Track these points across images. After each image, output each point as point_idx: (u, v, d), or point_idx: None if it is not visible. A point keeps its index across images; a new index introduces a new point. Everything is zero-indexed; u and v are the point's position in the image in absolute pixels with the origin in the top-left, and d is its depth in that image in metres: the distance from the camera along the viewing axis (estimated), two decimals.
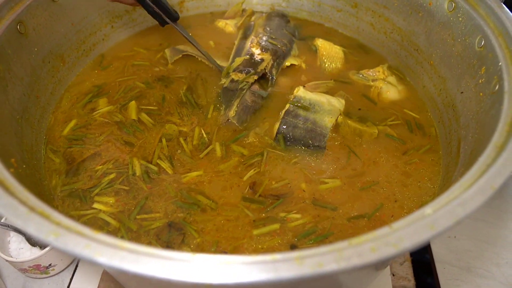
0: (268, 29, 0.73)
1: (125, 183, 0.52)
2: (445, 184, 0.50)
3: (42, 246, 0.65)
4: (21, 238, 0.66)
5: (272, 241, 0.47)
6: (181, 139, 0.58)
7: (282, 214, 0.49)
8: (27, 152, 0.51)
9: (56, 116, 0.61)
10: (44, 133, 0.58)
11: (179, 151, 0.56)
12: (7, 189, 0.33)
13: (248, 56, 0.67)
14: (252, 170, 0.54)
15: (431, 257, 0.71)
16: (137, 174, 0.53)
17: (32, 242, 0.65)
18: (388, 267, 0.68)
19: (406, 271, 0.68)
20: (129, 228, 0.48)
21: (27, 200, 0.33)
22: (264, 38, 0.71)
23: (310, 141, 0.57)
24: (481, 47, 0.51)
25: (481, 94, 0.48)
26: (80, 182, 0.53)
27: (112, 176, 0.53)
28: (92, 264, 0.42)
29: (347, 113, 0.61)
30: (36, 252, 0.64)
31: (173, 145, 0.57)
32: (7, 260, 0.62)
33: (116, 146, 0.57)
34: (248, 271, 0.26)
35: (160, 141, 0.57)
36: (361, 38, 0.76)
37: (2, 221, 0.66)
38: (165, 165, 0.54)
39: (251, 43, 0.70)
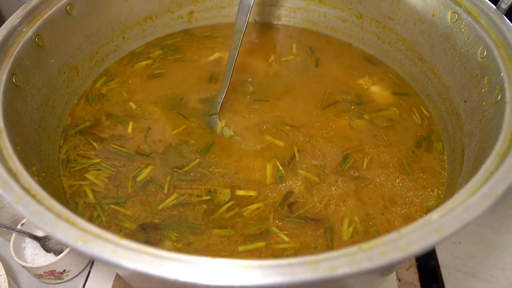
0: None
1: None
2: (450, 190, 0.51)
3: (56, 252, 0.67)
4: (36, 244, 0.68)
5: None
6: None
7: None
8: (45, 161, 0.53)
9: (70, 124, 0.63)
10: (59, 141, 0.60)
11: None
12: (34, 197, 0.35)
13: None
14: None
15: (436, 262, 0.73)
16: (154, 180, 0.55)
17: (47, 248, 0.67)
18: (394, 272, 0.69)
19: (412, 276, 0.69)
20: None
21: (52, 207, 0.34)
22: None
23: None
24: (483, 58, 0.53)
25: (484, 103, 0.50)
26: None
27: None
28: (117, 268, 0.44)
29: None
30: (50, 258, 0.66)
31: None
32: (23, 266, 0.63)
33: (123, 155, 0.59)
34: (266, 274, 0.28)
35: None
36: (367, 48, 0.78)
37: (18, 227, 0.68)
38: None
39: None
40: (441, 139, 0.62)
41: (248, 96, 0.68)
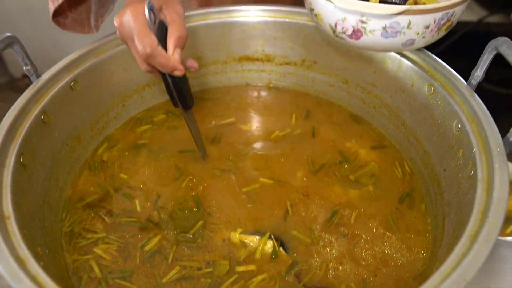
0: None
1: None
2: (433, 259, 0.54)
3: None
4: None
5: None
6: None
7: None
8: (48, 235, 0.56)
9: (72, 196, 0.66)
10: (61, 213, 0.63)
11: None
12: (40, 286, 0.38)
13: None
14: None
15: None
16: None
17: None
18: None
19: None
20: None
21: None
22: None
23: None
24: (458, 131, 0.57)
25: (460, 175, 0.54)
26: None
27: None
28: None
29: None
30: None
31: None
32: None
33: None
34: None
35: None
36: (354, 110, 0.82)
37: None
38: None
39: None
40: (424, 201, 0.65)
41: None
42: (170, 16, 0.58)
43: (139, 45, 0.55)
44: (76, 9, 0.82)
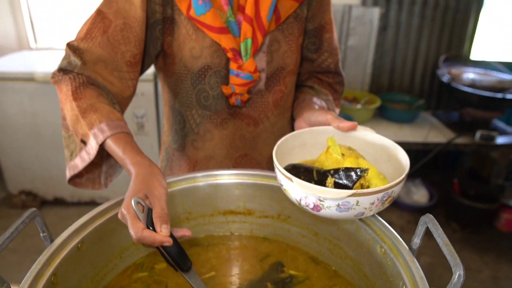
0: None
1: None
2: None
3: None
4: None
5: None
6: None
7: None
8: None
9: None
10: None
11: None
12: None
13: None
14: None
15: None
16: None
17: None
18: None
19: None
20: None
21: None
22: None
23: None
24: None
25: None
26: None
27: None
28: None
29: None
30: None
31: None
32: None
33: None
34: None
35: None
36: (324, 259, 0.94)
37: None
38: None
39: None
40: None
41: None
42: (152, 202, 0.74)
43: (130, 231, 0.70)
44: (91, 170, 0.97)
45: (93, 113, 0.83)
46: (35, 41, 3.36)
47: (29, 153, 2.98)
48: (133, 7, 0.91)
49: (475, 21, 3.19)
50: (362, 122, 2.87)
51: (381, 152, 0.87)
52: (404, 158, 0.80)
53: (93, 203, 3.14)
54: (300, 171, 0.79)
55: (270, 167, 0.99)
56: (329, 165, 0.82)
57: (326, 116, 0.90)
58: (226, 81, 1.01)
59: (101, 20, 0.91)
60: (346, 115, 2.79)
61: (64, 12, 3.35)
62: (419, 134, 2.82)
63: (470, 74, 3.05)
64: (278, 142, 0.83)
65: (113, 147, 0.81)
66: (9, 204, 3.16)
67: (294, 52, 1.05)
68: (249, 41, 0.96)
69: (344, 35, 3.00)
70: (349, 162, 0.81)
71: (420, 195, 3.20)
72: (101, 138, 0.81)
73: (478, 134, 2.76)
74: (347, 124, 0.86)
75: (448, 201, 3.13)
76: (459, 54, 3.25)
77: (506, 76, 3.00)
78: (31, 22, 3.28)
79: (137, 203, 0.71)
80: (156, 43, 0.99)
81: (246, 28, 0.95)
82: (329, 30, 1.11)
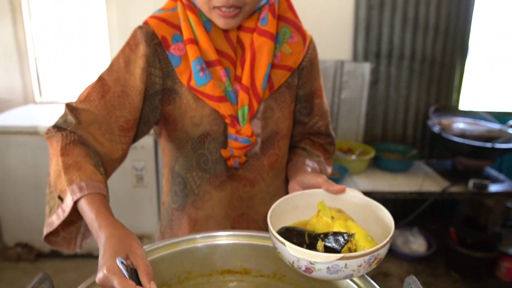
0: None
1: None
2: None
3: None
4: None
5: None
6: None
7: None
8: None
9: None
10: None
11: None
12: None
13: None
14: None
15: None
16: None
17: None
18: None
19: None
20: None
21: None
22: None
23: None
24: None
25: None
26: None
27: None
28: None
29: None
30: None
31: None
32: None
33: None
34: None
35: None
36: None
37: None
38: None
39: None
40: None
41: None
42: (136, 261, 0.74)
43: None
44: (68, 228, 0.95)
45: (76, 171, 0.84)
46: (40, 95, 3.49)
47: (28, 205, 3.01)
48: (132, 77, 1.00)
49: (461, 73, 3.34)
50: (357, 173, 2.94)
51: (369, 213, 0.93)
52: (389, 220, 0.86)
53: (89, 256, 3.12)
54: (293, 234, 0.85)
55: (266, 225, 1.05)
56: (320, 227, 0.88)
57: (317, 179, 0.97)
58: (224, 146, 1.08)
59: (101, 86, 0.98)
60: (341, 166, 2.86)
61: (69, 66, 3.51)
62: (413, 183, 2.88)
63: (460, 124, 3.17)
64: (272, 206, 0.89)
65: (86, 207, 0.80)
66: (4, 256, 3.14)
67: (287, 118, 1.14)
68: (246, 108, 1.04)
69: (337, 88, 3.14)
70: (339, 224, 0.86)
71: (418, 244, 3.20)
72: (78, 195, 0.81)
73: (471, 183, 2.82)
74: (336, 187, 0.93)
75: (446, 250, 3.14)
76: (448, 105, 3.38)
77: (494, 126, 3.11)
78: (38, 77, 3.42)
79: (121, 263, 0.72)
80: (155, 112, 1.07)
81: (243, 96, 1.04)
82: (319, 96, 1.20)
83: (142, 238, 3.09)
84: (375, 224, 0.91)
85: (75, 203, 0.82)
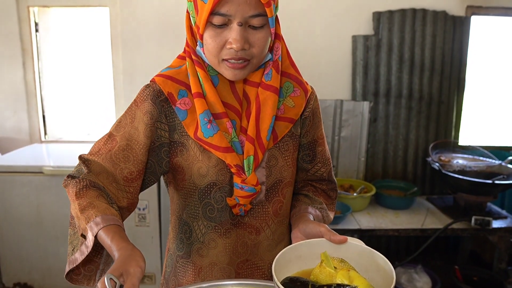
0: None
1: None
2: None
3: None
4: None
5: None
6: None
7: None
8: None
9: None
10: None
11: None
12: None
13: None
14: None
15: None
16: None
17: None
18: None
19: None
20: None
21: None
22: None
23: None
24: None
25: None
26: None
27: None
28: None
29: None
30: None
31: None
32: None
33: None
34: None
35: None
36: None
37: None
38: None
39: None
40: None
41: None
42: (126, 279, 0.82)
43: None
44: (88, 267, 1.05)
45: (91, 209, 0.95)
46: (45, 134, 3.55)
47: (29, 244, 3.01)
48: (137, 132, 1.07)
49: (458, 110, 3.41)
50: (358, 210, 2.94)
51: (371, 262, 0.95)
52: (389, 269, 0.88)
53: None
54: (297, 285, 0.87)
55: (270, 271, 1.06)
56: (323, 278, 0.90)
57: (320, 229, 0.99)
58: (229, 195, 1.12)
59: (110, 141, 1.08)
60: (343, 204, 2.87)
61: (74, 106, 3.59)
62: (416, 220, 2.88)
63: (459, 160, 3.20)
64: (277, 257, 0.92)
65: (104, 237, 0.91)
66: None
67: (290, 166, 1.18)
68: (251, 158, 1.08)
69: (337, 126, 3.20)
70: (341, 274, 0.88)
71: (423, 282, 3.16)
72: (95, 230, 0.92)
73: (473, 220, 2.82)
74: (338, 237, 0.95)
75: (452, 287, 3.09)
76: (446, 141, 3.43)
77: (493, 161, 3.14)
78: (43, 116, 3.50)
79: (110, 279, 0.80)
80: (161, 163, 1.12)
81: (248, 147, 1.08)
82: (321, 144, 1.25)
83: (143, 277, 3.05)
84: (376, 273, 0.93)
85: (95, 238, 0.92)
